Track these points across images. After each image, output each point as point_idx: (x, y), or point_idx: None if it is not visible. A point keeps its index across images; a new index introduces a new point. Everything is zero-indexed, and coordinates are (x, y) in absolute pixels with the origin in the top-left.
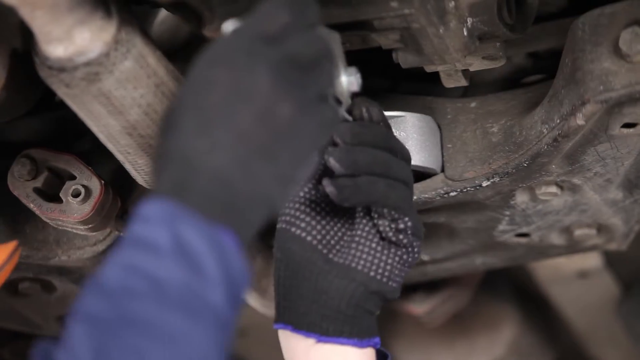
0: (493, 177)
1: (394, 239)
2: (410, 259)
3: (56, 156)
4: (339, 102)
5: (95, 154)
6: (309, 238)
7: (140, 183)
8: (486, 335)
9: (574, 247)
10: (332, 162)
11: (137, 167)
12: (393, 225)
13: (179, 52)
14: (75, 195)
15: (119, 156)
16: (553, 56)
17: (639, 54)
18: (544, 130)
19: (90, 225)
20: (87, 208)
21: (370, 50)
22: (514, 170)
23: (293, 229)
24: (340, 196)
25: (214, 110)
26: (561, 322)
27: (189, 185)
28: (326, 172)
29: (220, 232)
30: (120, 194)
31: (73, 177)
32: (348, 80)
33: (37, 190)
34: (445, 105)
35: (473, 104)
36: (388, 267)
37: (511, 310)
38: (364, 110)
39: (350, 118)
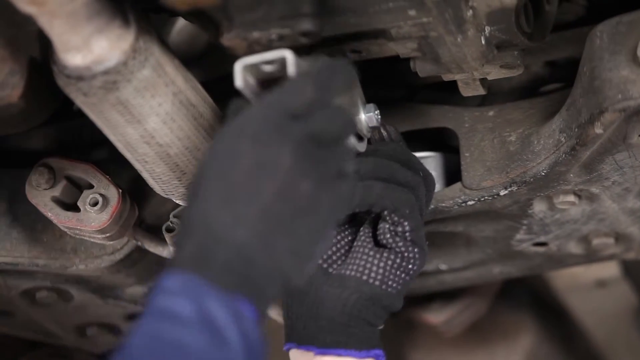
0: (511, 186)
1: (390, 242)
2: (405, 264)
3: (74, 165)
4: (360, 138)
5: (112, 163)
6: None
7: (158, 192)
8: (504, 344)
9: (591, 256)
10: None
11: (155, 176)
12: (392, 228)
13: (197, 60)
14: (93, 204)
15: (137, 165)
16: (571, 65)
17: None
18: (562, 139)
19: (107, 234)
20: (104, 217)
21: (388, 59)
22: (531, 179)
23: None
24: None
25: (238, 184)
26: (579, 331)
27: (210, 257)
28: None
29: (240, 303)
30: (138, 203)
31: (91, 186)
32: (367, 117)
33: (54, 199)
34: (463, 114)
35: (491, 113)
36: (380, 271)
37: (529, 320)
38: (382, 130)
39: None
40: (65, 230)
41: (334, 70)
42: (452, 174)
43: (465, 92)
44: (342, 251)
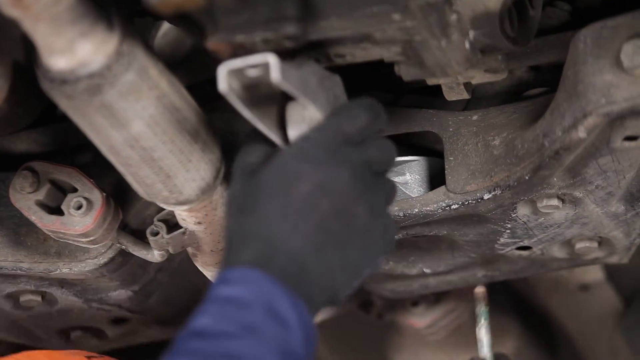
0: (495, 190)
1: None
2: None
3: (58, 169)
4: None
5: (96, 166)
6: None
7: (142, 195)
8: None
9: (575, 260)
10: None
11: (138, 179)
12: None
13: (182, 64)
14: (77, 207)
15: (121, 168)
16: (555, 69)
17: None
18: (546, 143)
19: (91, 238)
20: (88, 220)
21: (372, 64)
22: (515, 183)
23: None
24: None
25: (298, 200)
26: (562, 335)
27: (270, 260)
28: None
29: (297, 299)
30: (122, 206)
31: (75, 190)
32: None
33: (38, 203)
34: (447, 118)
35: (475, 117)
36: None
37: (512, 324)
38: None
39: None
40: (49, 233)
41: (376, 103)
42: (437, 178)
43: (450, 96)
44: None
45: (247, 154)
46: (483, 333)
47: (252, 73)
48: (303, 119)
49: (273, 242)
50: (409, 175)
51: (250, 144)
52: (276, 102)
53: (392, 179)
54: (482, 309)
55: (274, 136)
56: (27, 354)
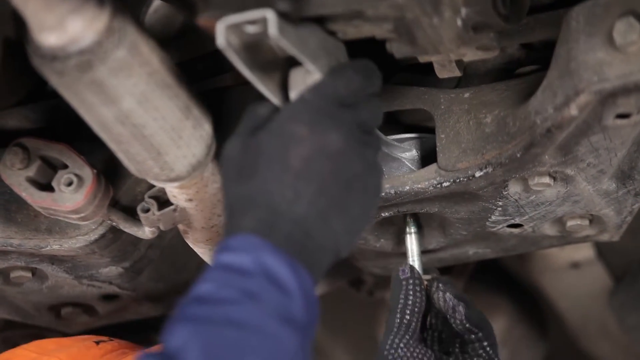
0: (486, 168)
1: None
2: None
3: (48, 145)
4: None
5: (87, 143)
6: None
7: (132, 172)
8: None
9: (566, 238)
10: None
11: (129, 156)
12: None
13: (173, 41)
14: (68, 184)
15: (112, 145)
16: (547, 47)
17: (633, 44)
18: (538, 120)
19: (82, 215)
20: (79, 197)
21: (364, 41)
22: (507, 161)
23: None
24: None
25: (298, 164)
26: (553, 313)
27: (273, 227)
28: None
29: (299, 267)
30: (113, 183)
31: (65, 166)
32: None
33: (29, 179)
34: (439, 96)
35: (466, 95)
36: None
37: (503, 302)
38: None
39: None
40: (40, 210)
41: (372, 65)
42: (428, 156)
43: (441, 73)
44: None
45: (251, 112)
46: (409, 242)
47: (251, 30)
48: (305, 83)
49: (276, 209)
50: (416, 151)
51: (256, 103)
52: (280, 67)
53: (400, 155)
54: (408, 220)
55: (274, 98)
56: (37, 343)
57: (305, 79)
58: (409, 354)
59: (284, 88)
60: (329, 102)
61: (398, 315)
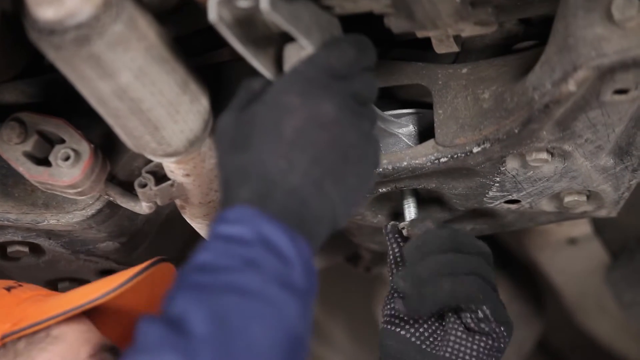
0: (484, 143)
1: (476, 328)
2: (497, 344)
3: (45, 120)
4: None
5: (85, 118)
6: (402, 332)
7: (130, 147)
8: None
9: (563, 214)
10: (399, 283)
11: (127, 131)
12: (473, 316)
13: (170, 15)
14: (65, 159)
15: (109, 120)
16: (545, 22)
17: (632, 19)
18: (536, 96)
19: (79, 189)
20: (76, 172)
21: (361, 16)
22: (504, 137)
23: (391, 327)
24: (409, 310)
25: (291, 135)
26: (550, 289)
27: (268, 198)
28: None
29: (297, 236)
30: (110, 158)
31: (62, 141)
32: None
33: (26, 154)
34: (437, 72)
35: (464, 70)
36: (474, 354)
37: (500, 278)
38: (420, 226)
39: None
40: (37, 185)
41: (366, 39)
42: (426, 132)
43: (439, 49)
44: (432, 329)
45: (245, 86)
46: (407, 211)
47: (243, 4)
48: (299, 58)
49: (271, 180)
50: (413, 127)
51: (250, 78)
52: (275, 43)
53: (397, 130)
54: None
55: (267, 72)
56: None
57: (299, 53)
58: (391, 312)
59: (278, 63)
60: (321, 73)
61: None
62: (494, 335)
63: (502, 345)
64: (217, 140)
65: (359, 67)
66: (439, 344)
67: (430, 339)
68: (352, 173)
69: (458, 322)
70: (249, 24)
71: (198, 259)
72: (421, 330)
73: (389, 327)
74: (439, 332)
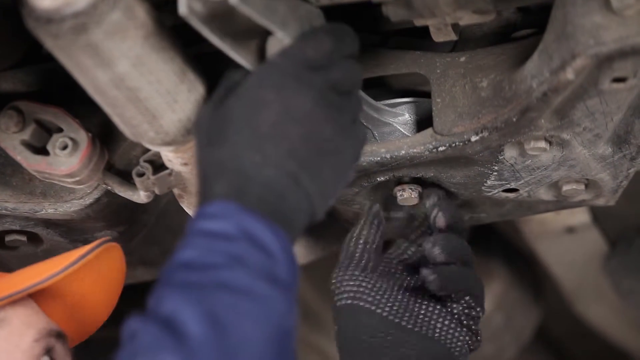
0: (482, 132)
1: (466, 322)
2: (476, 345)
3: (43, 108)
4: None
5: (82, 107)
6: (378, 310)
7: (128, 136)
8: None
9: (562, 202)
10: (437, 250)
11: (125, 120)
12: (467, 312)
13: (168, 4)
14: (63, 147)
15: (107, 109)
16: (543, 10)
17: (630, 7)
18: (534, 84)
19: (77, 178)
20: (74, 161)
21: (359, 5)
22: (502, 125)
23: (361, 303)
24: (441, 284)
25: (266, 129)
26: (548, 277)
27: (244, 191)
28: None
29: (277, 228)
30: (108, 147)
31: (60, 130)
32: None
33: (24, 143)
34: (435, 60)
35: (462, 59)
36: (460, 344)
37: (498, 266)
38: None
39: None
40: (35, 174)
41: (346, 28)
42: (423, 120)
43: (437, 37)
44: (405, 302)
45: (226, 78)
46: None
47: None
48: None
49: (246, 173)
50: (409, 116)
51: (231, 70)
52: (258, 36)
53: (391, 120)
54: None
55: (247, 64)
56: None
57: (281, 45)
58: (355, 288)
59: (263, 56)
60: (296, 65)
61: (344, 247)
62: (478, 337)
63: (476, 347)
64: (195, 133)
65: (338, 56)
66: (425, 323)
67: (407, 314)
68: (328, 166)
69: (445, 309)
70: (229, 17)
71: (182, 256)
72: (397, 305)
73: (358, 303)
74: (415, 309)
